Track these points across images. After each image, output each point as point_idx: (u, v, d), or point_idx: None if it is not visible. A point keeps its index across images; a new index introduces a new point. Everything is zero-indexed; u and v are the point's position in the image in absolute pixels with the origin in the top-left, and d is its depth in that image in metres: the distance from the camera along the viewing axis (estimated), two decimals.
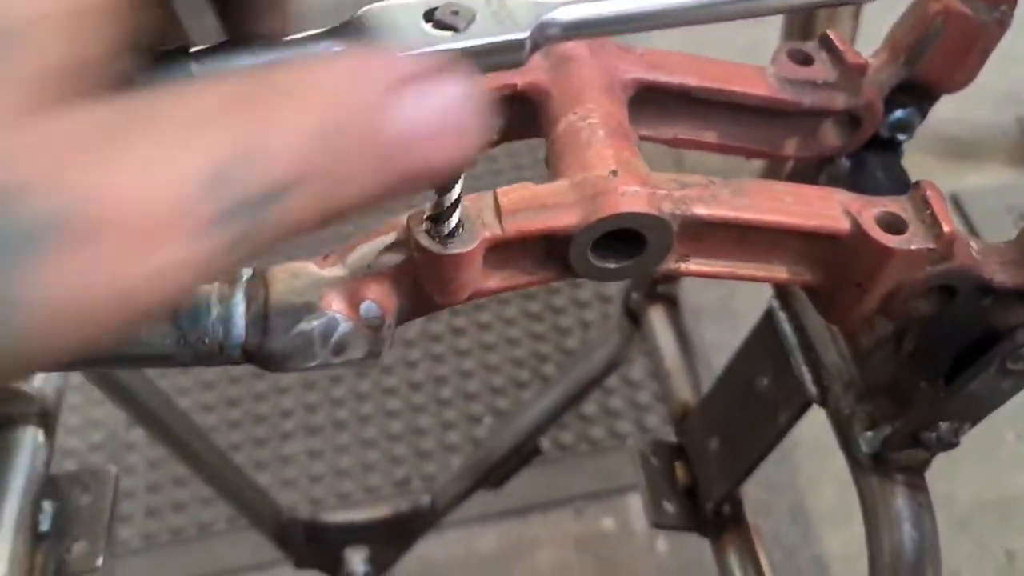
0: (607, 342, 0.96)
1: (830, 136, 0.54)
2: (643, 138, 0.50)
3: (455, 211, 0.38)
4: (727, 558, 0.71)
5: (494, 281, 0.42)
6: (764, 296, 0.65)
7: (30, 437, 0.71)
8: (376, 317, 0.41)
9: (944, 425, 0.52)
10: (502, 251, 0.41)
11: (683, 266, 0.44)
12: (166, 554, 1.51)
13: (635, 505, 1.40)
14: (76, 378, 1.11)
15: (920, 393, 0.51)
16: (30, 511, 0.68)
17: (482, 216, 0.40)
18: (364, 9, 0.31)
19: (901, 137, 0.58)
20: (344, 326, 0.41)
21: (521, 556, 1.39)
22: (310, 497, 1.52)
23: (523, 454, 1.09)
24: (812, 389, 0.60)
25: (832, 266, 0.45)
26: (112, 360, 0.41)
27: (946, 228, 0.43)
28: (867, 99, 0.52)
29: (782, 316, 0.63)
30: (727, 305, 1.62)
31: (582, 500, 1.45)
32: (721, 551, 0.72)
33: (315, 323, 0.41)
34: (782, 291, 0.63)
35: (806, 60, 0.52)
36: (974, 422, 0.52)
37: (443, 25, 0.30)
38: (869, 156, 0.57)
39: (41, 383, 0.71)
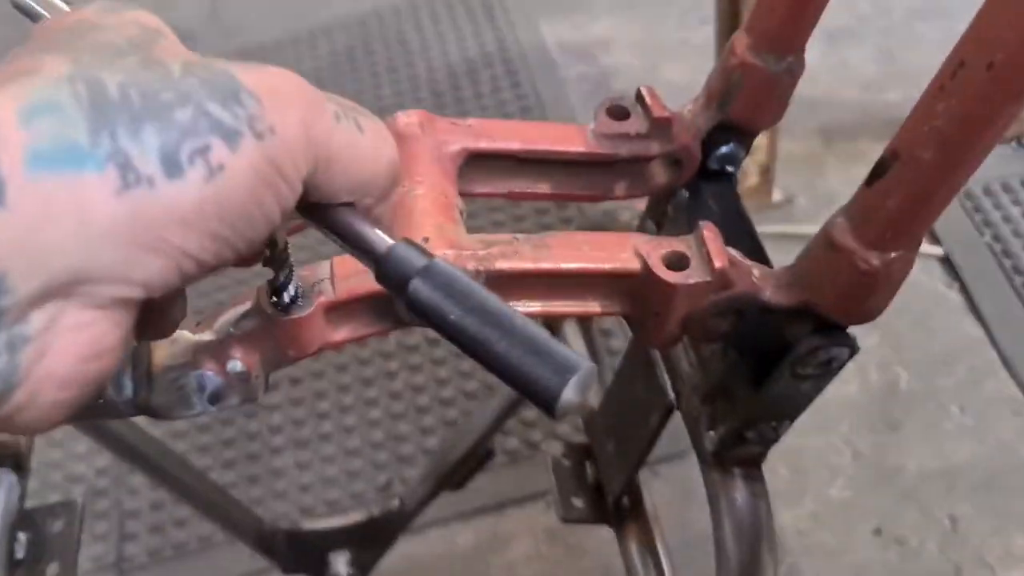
0: None
1: (659, 175, 0.62)
2: (482, 194, 0.58)
3: (290, 283, 0.46)
4: (628, 546, 0.79)
5: (340, 334, 0.50)
6: None
7: (5, 477, 0.80)
8: (242, 372, 0.50)
9: (763, 424, 0.59)
10: (341, 310, 0.49)
11: None
12: (171, 568, 1.60)
13: None
14: None
15: (741, 396, 0.59)
16: (6, 541, 0.77)
17: (319, 283, 0.48)
18: None
19: (730, 168, 0.65)
20: (215, 381, 0.49)
21: (497, 549, 1.47)
22: (300, 506, 1.61)
23: (478, 457, 1.17)
24: (671, 395, 0.68)
25: (634, 299, 0.52)
26: None
27: (718, 264, 0.50)
28: (681, 143, 0.60)
29: None
30: None
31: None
32: (623, 539, 0.79)
33: (191, 380, 0.49)
34: None
35: (623, 115, 0.59)
36: (791, 419, 0.60)
37: None
38: (705, 186, 0.65)
39: None
